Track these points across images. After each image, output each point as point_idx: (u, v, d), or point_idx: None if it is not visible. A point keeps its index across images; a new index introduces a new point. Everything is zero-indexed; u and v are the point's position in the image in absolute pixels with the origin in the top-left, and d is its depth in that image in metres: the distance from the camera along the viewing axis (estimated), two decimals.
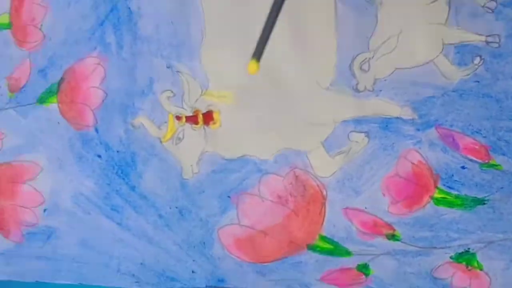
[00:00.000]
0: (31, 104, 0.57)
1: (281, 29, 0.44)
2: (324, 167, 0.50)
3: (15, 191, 0.58)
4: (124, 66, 0.54)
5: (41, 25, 0.57)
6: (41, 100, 0.57)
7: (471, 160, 0.47)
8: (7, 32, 0.58)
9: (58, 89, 0.56)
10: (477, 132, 0.46)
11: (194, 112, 0.52)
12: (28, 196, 0.58)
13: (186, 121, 0.53)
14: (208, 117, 0.52)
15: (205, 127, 0.52)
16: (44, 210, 0.57)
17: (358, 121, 0.48)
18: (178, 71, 0.52)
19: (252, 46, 0.40)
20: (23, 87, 0.57)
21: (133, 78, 0.53)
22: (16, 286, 0.59)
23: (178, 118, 0.53)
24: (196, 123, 0.52)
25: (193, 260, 0.53)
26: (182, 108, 0.53)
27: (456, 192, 0.47)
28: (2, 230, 0.58)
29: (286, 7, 0.42)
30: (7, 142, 0.58)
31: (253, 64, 0.35)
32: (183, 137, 0.53)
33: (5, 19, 0.59)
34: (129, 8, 0.53)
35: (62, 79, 0.56)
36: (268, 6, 0.40)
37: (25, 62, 0.58)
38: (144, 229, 0.54)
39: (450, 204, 0.47)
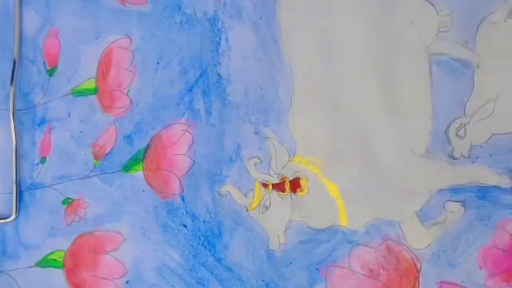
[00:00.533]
0: (116, 172, 0.76)
1: (374, 93, 0.59)
2: (418, 238, 0.61)
3: (97, 262, 0.76)
4: (212, 133, 0.70)
5: (128, 90, 0.75)
6: (127, 167, 0.76)
7: None
8: (93, 98, 0.77)
9: (144, 156, 0.74)
10: None
11: (281, 179, 0.68)
12: (110, 267, 0.74)
13: (273, 188, 0.68)
14: (295, 184, 0.67)
15: (292, 194, 0.67)
16: (127, 282, 0.74)
17: (454, 189, 0.60)
18: (265, 137, 0.70)
19: (339, 110, 0.54)
20: (108, 154, 0.77)
21: (221, 145, 0.70)
22: None
23: (265, 185, 0.68)
24: (283, 190, 0.68)
25: None
26: (269, 175, 0.68)
27: None
28: None
29: (379, 71, 0.60)
30: (91, 211, 0.76)
31: None
32: (270, 205, 0.68)
33: (91, 84, 0.78)
34: (219, 73, 0.71)
35: (148, 145, 0.74)
36: (357, 73, 0.56)
37: (111, 128, 0.76)
38: None
39: None
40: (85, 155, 0.77)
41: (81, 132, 0.77)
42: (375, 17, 0.62)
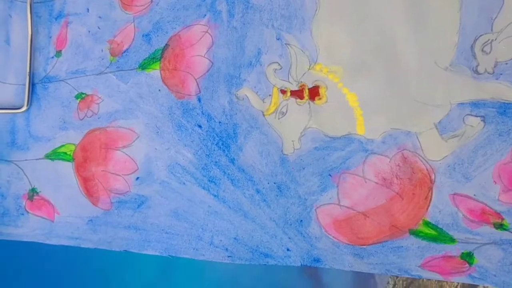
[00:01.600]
0: (132, 69, 0.73)
1: (401, 4, 0.56)
2: (435, 150, 0.60)
3: (108, 157, 0.74)
4: (233, 36, 0.68)
5: None
6: (143, 66, 0.73)
7: None
8: None
9: (162, 56, 0.71)
10: None
11: (300, 86, 0.66)
12: (121, 163, 0.73)
13: (291, 95, 0.66)
14: (314, 92, 0.65)
15: (310, 102, 0.65)
16: (137, 178, 0.73)
17: (475, 104, 0.58)
18: (287, 43, 0.68)
19: (365, 22, 0.53)
20: (125, 52, 0.74)
21: (241, 48, 0.68)
22: (103, 255, 0.78)
23: (283, 92, 0.66)
24: (302, 97, 0.65)
25: (289, 238, 0.65)
26: (288, 81, 0.66)
27: None
28: (91, 197, 0.76)
29: None
30: (104, 107, 0.74)
31: None
32: (287, 112, 0.66)
33: None
34: None
35: (166, 45, 0.71)
36: None
37: (129, 26, 0.73)
38: (240, 203, 0.67)
39: None
40: (102, 51, 0.75)
41: (98, 28, 0.75)
42: None
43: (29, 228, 0.76)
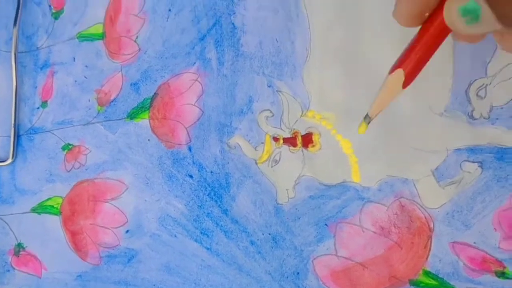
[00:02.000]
0: (120, 119, 0.73)
1: (393, 50, 0.55)
2: (433, 197, 0.60)
3: (96, 209, 0.73)
4: (224, 83, 0.68)
5: (137, 37, 0.72)
6: (132, 115, 0.73)
7: None
8: (100, 43, 0.74)
9: (151, 105, 0.71)
10: None
11: (293, 133, 0.65)
12: (110, 216, 0.72)
13: (284, 142, 0.65)
14: (307, 139, 0.65)
15: (304, 149, 0.64)
16: (127, 231, 0.72)
17: (472, 150, 0.58)
18: (278, 90, 0.67)
19: (357, 67, 0.54)
20: (112, 101, 0.74)
21: (232, 96, 0.68)
22: None
23: (276, 139, 0.66)
24: (295, 145, 0.65)
25: None
26: (280, 129, 0.66)
27: None
28: (80, 251, 0.75)
29: (402, 28, 0.57)
30: (92, 158, 0.74)
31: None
32: (280, 160, 0.66)
33: (98, 29, 0.74)
34: (233, 23, 0.68)
35: (155, 94, 0.71)
36: (376, 28, 0.54)
37: (117, 75, 0.73)
38: (235, 255, 0.66)
39: None
40: (89, 100, 0.74)
41: (85, 77, 0.74)
42: None
43: (16, 286, 0.75)
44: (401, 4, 0.40)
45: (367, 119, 0.47)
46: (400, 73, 0.45)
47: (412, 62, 0.44)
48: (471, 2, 0.35)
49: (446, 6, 0.38)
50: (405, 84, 0.43)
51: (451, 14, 0.38)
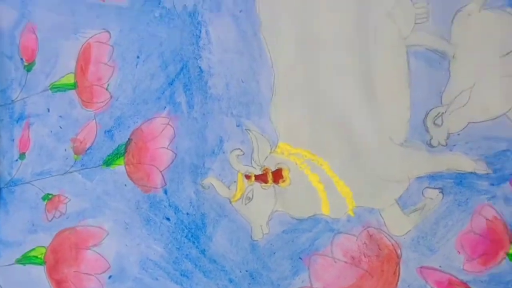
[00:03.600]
0: (97, 166, 0.78)
1: (353, 84, 0.63)
2: (399, 225, 0.66)
3: (79, 257, 0.78)
4: (195, 126, 0.73)
5: (108, 85, 0.78)
6: (108, 162, 0.79)
7: None
8: (72, 93, 0.80)
9: (125, 151, 0.77)
10: None
11: (264, 170, 0.71)
12: (93, 262, 0.77)
13: (256, 179, 0.71)
14: (277, 175, 0.70)
15: (275, 185, 0.70)
16: (110, 277, 0.76)
17: (432, 177, 0.64)
18: (247, 129, 0.73)
19: (320, 103, 0.60)
20: (88, 149, 0.79)
21: (203, 138, 0.73)
22: None
23: (247, 177, 0.71)
24: (266, 181, 0.71)
25: None
26: (252, 166, 0.71)
27: None
28: None
29: (358, 62, 0.64)
30: (72, 206, 0.79)
31: None
32: (253, 197, 0.71)
33: (70, 79, 0.80)
34: (200, 67, 0.74)
35: (129, 140, 0.77)
36: (336, 65, 0.61)
37: (91, 123, 0.79)
38: None
39: None
40: (65, 150, 0.79)
41: (60, 127, 0.79)
42: (353, 9, 0.66)
43: None
44: None
45: None
46: None
47: None
48: None
49: None
50: None
51: None
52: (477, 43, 0.63)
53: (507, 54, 0.62)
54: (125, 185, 0.76)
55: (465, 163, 0.63)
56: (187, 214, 0.73)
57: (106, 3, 0.76)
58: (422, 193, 0.65)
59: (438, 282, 0.64)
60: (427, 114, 0.65)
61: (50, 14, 0.80)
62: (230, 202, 0.71)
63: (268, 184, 0.70)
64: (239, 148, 0.71)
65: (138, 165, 0.75)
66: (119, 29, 0.76)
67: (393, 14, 0.65)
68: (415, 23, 0.65)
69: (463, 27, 0.63)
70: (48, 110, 0.80)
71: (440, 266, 0.64)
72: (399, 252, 0.65)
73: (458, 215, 0.64)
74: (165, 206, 0.74)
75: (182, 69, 0.74)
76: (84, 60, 0.79)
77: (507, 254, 0.62)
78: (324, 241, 0.68)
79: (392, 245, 0.65)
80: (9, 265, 0.80)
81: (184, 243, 0.73)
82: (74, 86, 0.80)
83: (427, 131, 0.65)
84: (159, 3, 0.74)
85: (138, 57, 0.76)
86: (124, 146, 0.76)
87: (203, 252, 0.72)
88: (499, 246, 0.62)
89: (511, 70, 0.62)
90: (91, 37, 0.78)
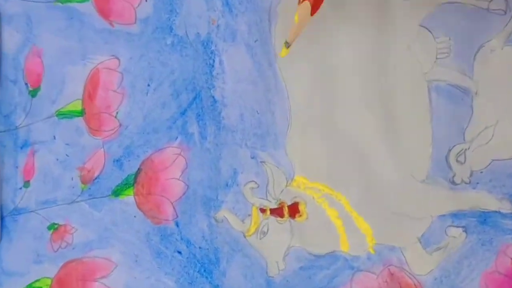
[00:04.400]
0: (105, 196, 0.77)
1: (372, 119, 0.62)
2: (421, 264, 0.65)
3: None
4: (207, 157, 0.72)
5: (117, 112, 0.76)
6: (116, 192, 0.78)
7: None
8: (80, 120, 0.78)
9: (135, 181, 0.76)
10: None
11: (279, 204, 0.70)
12: None
13: (271, 213, 0.70)
14: (294, 209, 0.69)
15: (291, 220, 0.69)
16: None
17: (455, 215, 0.63)
18: (262, 161, 0.73)
19: (337, 135, 0.59)
20: (96, 178, 0.78)
21: (217, 169, 0.72)
22: None
23: (262, 210, 0.70)
24: (282, 215, 0.70)
25: None
26: (267, 200, 0.71)
27: None
28: None
29: (378, 96, 0.62)
30: (78, 237, 0.77)
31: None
32: (268, 231, 0.70)
33: (77, 106, 0.79)
34: (213, 97, 0.73)
35: (139, 169, 0.76)
36: (354, 98, 0.60)
37: (99, 151, 0.78)
38: None
39: None
40: (72, 179, 0.78)
41: (67, 155, 0.78)
42: (373, 43, 0.65)
43: None
44: None
45: (287, 44, 0.56)
46: (306, 5, 0.54)
47: None
48: None
49: None
50: (312, 12, 0.54)
51: None
52: (500, 80, 0.62)
53: None
54: (135, 216, 0.74)
55: (489, 201, 0.63)
56: (200, 248, 0.71)
57: (115, 28, 0.73)
58: (445, 232, 0.64)
59: None
60: (449, 151, 0.64)
61: (57, 38, 0.79)
62: (245, 236, 0.70)
63: (284, 219, 0.69)
64: (253, 181, 0.70)
65: (148, 196, 0.74)
66: (129, 55, 0.75)
67: (413, 48, 0.64)
68: (437, 58, 0.63)
69: (486, 63, 0.62)
70: (54, 137, 0.78)
71: None
72: None
73: (482, 255, 0.63)
74: (176, 239, 0.72)
75: (194, 98, 0.72)
76: (92, 86, 0.77)
77: None
78: (343, 279, 0.67)
79: (414, 284, 0.64)
80: None
81: (196, 278, 0.71)
82: (82, 113, 0.78)
83: (450, 168, 0.64)
84: (171, 31, 0.72)
85: (148, 85, 0.74)
86: (133, 176, 0.75)
87: (216, 287, 0.68)
88: None
89: None
90: (99, 63, 0.76)
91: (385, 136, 0.65)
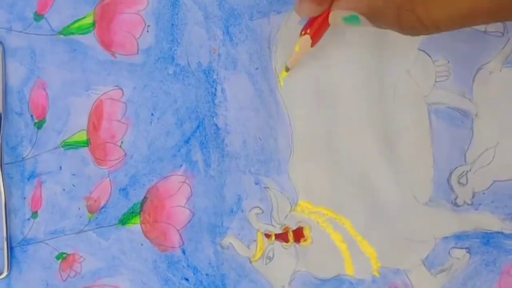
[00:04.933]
0: (112, 225, 0.78)
1: (373, 143, 0.63)
2: (426, 286, 0.64)
3: None
4: (212, 184, 0.73)
5: (122, 142, 0.77)
6: (123, 221, 0.78)
7: None
8: (85, 150, 0.79)
9: (141, 209, 0.77)
10: None
11: (284, 229, 0.71)
12: None
13: (276, 239, 0.70)
14: (298, 234, 0.70)
15: (296, 244, 0.70)
16: None
17: (458, 236, 0.63)
18: (266, 187, 0.73)
19: (339, 159, 0.60)
20: (103, 208, 0.79)
21: (221, 196, 0.73)
22: None
23: (267, 236, 0.71)
24: (287, 240, 0.70)
25: None
26: (271, 225, 0.71)
27: None
28: None
29: (378, 120, 0.62)
30: (87, 265, 0.78)
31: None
32: (273, 256, 0.70)
33: (82, 137, 0.79)
34: (216, 124, 0.74)
35: (145, 198, 0.76)
36: (355, 122, 0.61)
37: (105, 181, 0.78)
38: None
39: None
40: (79, 209, 0.78)
41: (73, 185, 0.78)
42: (373, 68, 0.65)
43: None
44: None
45: (287, 68, 0.62)
46: (307, 38, 0.56)
47: (314, 29, 0.55)
48: (353, 16, 0.48)
49: (331, 16, 0.51)
50: (313, 44, 0.58)
51: (335, 21, 0.52)
52: (500, 101, 0.62)
53: None
54: (142, 244, 0.74)
55: (492, 222, 0.63)
56: (207, 274, 0.71)
57: (118, 59, 0.73)
58: (449, 253, 0.64)
59: None
60: (451, 173, 0.64)
61: (60, 71, 0.79)
62: (250, 262, 0.70)
63: (289, 243, 0.69)
64: (258, 207, 0.70)
65: (155, 224, 0.74)
66: (132, 86, 0.75)
67: (413, 71, 0.64)
68: (436, 81, 0.64)
69: (485, 85, 0.62)
70: (61, 168, 0.79)
71: None
72: None
73: (486, 275, 0.63)
74: (183, 266, 0.73)
75: (198, 126, 0.73)
76: (96, 117, 0.78)
77: None
78: None
79: None
80: None
81: None
82: (87, 143, 0.78)
83: (452, 190, 0.64)
84: (173, 60, 0.73)
85: (152, 114, 0.75)
86: (139, 205, 0.75)
87: None
88: None
89: None
90: (103, 94, 0.77)
91: (387, 160, 0.66)
